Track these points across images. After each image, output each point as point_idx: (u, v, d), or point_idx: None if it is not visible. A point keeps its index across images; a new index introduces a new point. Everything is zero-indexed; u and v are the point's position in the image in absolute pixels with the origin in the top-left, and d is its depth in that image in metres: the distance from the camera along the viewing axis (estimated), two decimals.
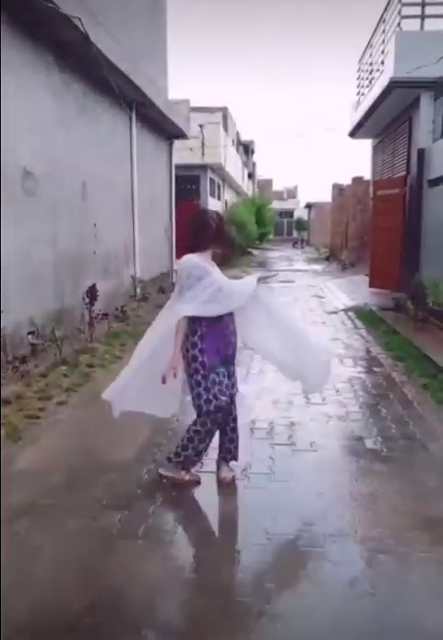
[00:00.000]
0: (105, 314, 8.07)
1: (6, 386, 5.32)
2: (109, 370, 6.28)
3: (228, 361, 3.50)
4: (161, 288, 12.17)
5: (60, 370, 6.02)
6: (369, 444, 4.23)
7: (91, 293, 7.45)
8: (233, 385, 3.61)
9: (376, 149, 15.92)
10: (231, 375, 3.55)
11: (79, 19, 6.25)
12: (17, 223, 6.21)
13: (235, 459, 3.68)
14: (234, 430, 3.65)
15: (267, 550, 2.90)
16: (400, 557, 2.83)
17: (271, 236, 47.87)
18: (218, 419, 3.41)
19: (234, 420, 3.64)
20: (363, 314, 9.98)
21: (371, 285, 13.21)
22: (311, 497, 3.44)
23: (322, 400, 5.28)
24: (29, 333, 6.38)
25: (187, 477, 3.55)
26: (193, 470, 3.60)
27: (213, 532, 3.12)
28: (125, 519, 3.18)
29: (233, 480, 3.62)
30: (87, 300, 7.46)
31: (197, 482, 3.57)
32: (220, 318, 3.37)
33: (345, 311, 10.62)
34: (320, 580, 2.66)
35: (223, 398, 3.36)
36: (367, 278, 13.85)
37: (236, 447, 3.66)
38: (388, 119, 13.30)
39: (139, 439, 4.26)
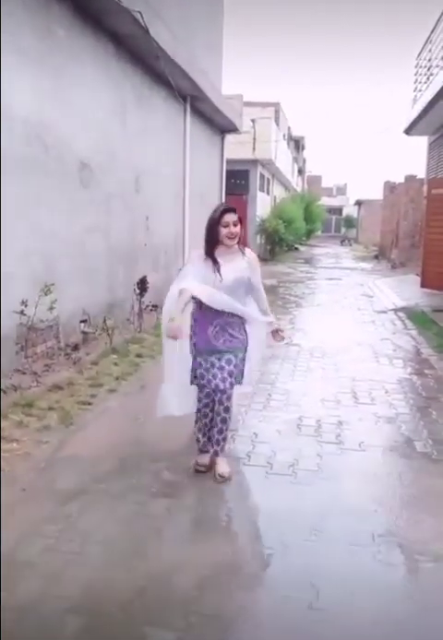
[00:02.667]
0: (155, 306, 8.17)
1: (59, 373, 5.48)
2: (157, 360, 6.35)
3: (217, 350, 3.48)
4: None
5: (110, 358, 6.15)
6: (419, 446, 4.14)
7: (142, 285, 7.56)
8: (224, 377, 3.49)
9: (432, 147, 15.49)
10: (222, 365, 3.49)
11: (140, 13, 6.33)
12: (73, 214, 6.36)
13: (216, 453, 3.64)
14: (224, 421, 3.59)
15: (313, 546, 2.89)
16: None
17: (319, 233, 47.33)
18: (201, 399, 3.60)
19: (223, 412, 3.57)
20: (413, 315, 9.75)
21: (423, 285, 12.90)
22: (360, 496, 3.40)
23: (371, 400, 5.20)
24: (81, 321, 6.55)
25: (197, 460, 3.70)
26: (202, 457, 3.71)
27: (259, 527, 3.12)
28: (173, 508, 3.22)
29: (229, 476, 3.56)
30: (137, 291, 7.58)
31: (199, 467, 3.65)
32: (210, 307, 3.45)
33: (395, 311, 10.40)
34: (368, 579, 2.63)
35: (202, 382, 3.53)
36: (418, 278, 13.53)
37: (218, 441, 3.62)
38: None
39: (187, 429, 4.30)
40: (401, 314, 10.06)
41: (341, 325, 9.03)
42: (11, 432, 4.07)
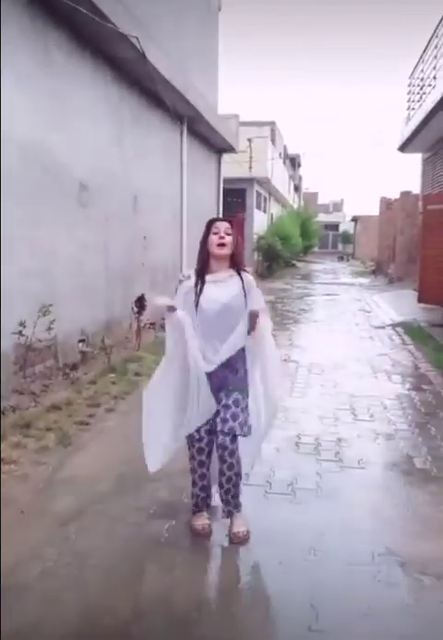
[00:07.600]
0: (152, 324, 8.19)
1: (57, 393, 5.47)
2: None
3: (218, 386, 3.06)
4: None
5: (109, 377, 6.14)
6: (419, 463, 4.14)
7: (140, 303, 7.59)
8: (226, 418, 3.03)
9: (426, 164, 15.66)
10: (227, 404, 3.04)
11: (137, 39, 6.43)
12: (71, 234, 6.40)
13: (230, 510, 3.15)
14: (237, 475, 3.11)
15: (313, 566, 2.87)
16: None
17: (316, 249, 47.57)
18: (194, 456, 3.20)
19: (227, 470, 3.07)
20: (411, 330, 9.76)
21: (420, 300, 12.93)
22: (359, 515, 3.39)
23: (370, 417, 5.20)
24: (79, 341, 6.55)
25: (193, 523, 3.21)
26: (201, 517, 3.21)
27: (259, 546, 3.10)
28: (171, 529, 3.20)
29: (245, 536, 3.08)
30: (135, 310, 7.60)
31: (201, 532, 3.15)
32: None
33: (393, 326, 10.42)
34: (368, 599, 2.62)
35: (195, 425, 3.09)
36: (415, 293, 13.56)
37: (228, 501, 3.14)
38: (439, 133, 13.06)
39: (185, 450, 4.29)
40: (398, 329, 10.08)
41: (339, 341, 9.04)
42: (9, 454, 4.06)
